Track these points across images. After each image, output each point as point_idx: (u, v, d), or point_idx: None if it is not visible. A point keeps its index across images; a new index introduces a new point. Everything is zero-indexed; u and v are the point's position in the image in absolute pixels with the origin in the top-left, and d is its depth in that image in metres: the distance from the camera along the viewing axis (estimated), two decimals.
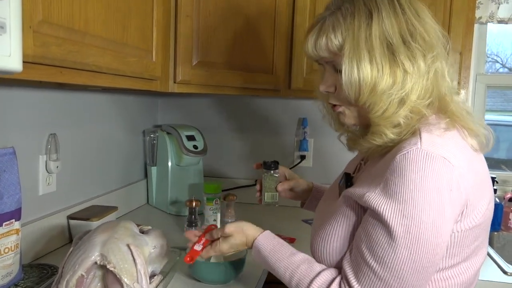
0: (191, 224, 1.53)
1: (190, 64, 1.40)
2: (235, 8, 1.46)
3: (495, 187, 1.76)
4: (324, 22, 0.84)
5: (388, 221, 0.73)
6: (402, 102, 0.78)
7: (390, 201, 0.73)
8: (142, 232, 1.03)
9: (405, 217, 0.72)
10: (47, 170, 1.28)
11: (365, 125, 0.88)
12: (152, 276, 0.97)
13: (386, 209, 0.73)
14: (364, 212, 0.81)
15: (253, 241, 0.93)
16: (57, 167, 1.30)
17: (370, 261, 0.75)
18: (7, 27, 0.58)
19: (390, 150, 0.80)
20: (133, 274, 0.87)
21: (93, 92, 1.52)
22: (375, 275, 0.75)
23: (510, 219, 1.74)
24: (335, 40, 0.81)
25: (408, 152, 0.73)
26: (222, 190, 1.68)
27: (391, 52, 0.78)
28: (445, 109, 0.81)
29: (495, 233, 1.74)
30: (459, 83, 1.54)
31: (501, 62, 2.16)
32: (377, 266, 0.74)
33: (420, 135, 0.75)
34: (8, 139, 1.13)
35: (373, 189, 0.76)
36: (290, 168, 1.99)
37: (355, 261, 0.79)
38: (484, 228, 0.82)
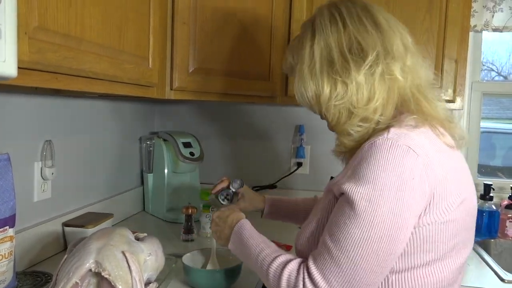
0: (188, 231, 1.52)
1: (187, 71, 1.40)
2: (231, 15, 1.47)
3: (491, 194, 1.76)
4: (290, 44, 0.98)
5: (350, 199, 0.75)
6: (350, 111, 0.85)
7: (354, 183, 0.76)
8: (137, 239, 1.02)
9: (363, 198, 0.74)
10: (42, 176, 1.27)
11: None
12: (147, 283, 0.96)
13: (349, 189, 0.76)
14: None
15: (239, 221, 0.99)
16: (52, 173, 1.30)
17: (328, 241, 0.78)
18: (1, 32, 0.58)
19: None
20: (128, 281, 0.87)
21: (89, 99, 1.52)
22: (329, 254, 0.77)
23: (507, 226, 1.74)
24: (291, 62, 0.95)
25: (375, 141, 0.77)
26: None
27: (330, 66, 0.85)
28: (415, 109, 0.84)
29: (492, 240, 1.74)
30: (454, 91, 1.55)
31: (496, 70, 2.18)
32: (332, 245, 0.76)
33: (389, 129, 0.79)
34: (3, 146, 1.12)
35: (343, 175, 0.81)
36: (286, 176, 2.00)
37: (319, 245, 0.81)
38: (463, 226, 0.82)
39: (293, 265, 0.82)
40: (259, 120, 2.05)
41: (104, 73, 0.97)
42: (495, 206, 1.78)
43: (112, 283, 0.85)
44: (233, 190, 1.27)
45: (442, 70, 1.53)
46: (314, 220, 0.89)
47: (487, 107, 2.00)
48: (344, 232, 0.76)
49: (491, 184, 1.76)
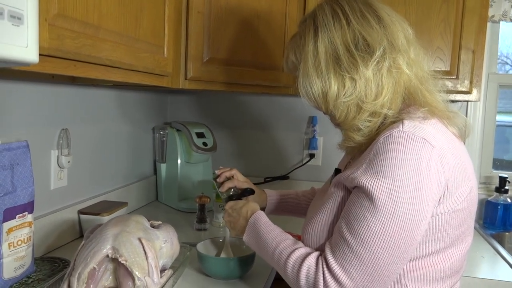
0: (201, 220, 1.53)
1: (201, 60, 1.40)
2: (246, 5, 1.46)
3: (507, 187, 1.74)
4: (290, 41, 0.96)
5: (369, 192, 0.76)
6: (359, 106, 0.84)
7: (372, 176, 0.76)
8: (153, 226, 1.03)
9: (383, 191, 0.75)
10: (58, 165, 1.29)
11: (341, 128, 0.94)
12: (162, 270, 0.98)
13: (367, 182, 0.76)
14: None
15: (255, 212, 1.00)
16: (69, 162, 1.31)
17: (346, 234, 0.78)
18: (24, 18, 0.58)
19: (369, 144, 0.84)
20: (144, 267, 0.88)
21: (104, 88, 1.53)
22: (348, 247, 0.77)
23: None
24: (293, 59, 0.93)
25: (390, 134, 0.77)
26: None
27: (336, 63, 0.84)
28: (422, 101, 0.85)
29: (507, 233, 1.72)
30: (471, 82, 1.52)
31: (511, 64, 2.14)
32: (352, 239, 0.77)
33: (402, 121, 0.79)
34: (20, 133, 1.14)
35: (357, 168, 0.80)
36: (298, 167, 2.00)
37: (334, 238, 0.82)
38: (469, 214, 0.84)
39: (312, 259, 0.82)
40: (272, 111, 2.05)
41: (120, 61, 0.97)
42: (510, 199, 1.76)
43: (129, 269, 0.86)
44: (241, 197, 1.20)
45: (459, 61, 1.51)
46: (322, 212, 0.89)
47: (502, 101, 1.96)
48: (364, 226, 0.76)
49: (507, 177, 1.75)
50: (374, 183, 0.76)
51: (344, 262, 0.77)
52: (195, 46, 1.37)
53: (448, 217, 0.79)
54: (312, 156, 2.00)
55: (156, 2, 1.14)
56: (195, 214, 1.56)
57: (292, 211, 1.31)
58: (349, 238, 0.77)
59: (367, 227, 0.76)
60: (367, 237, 0.75)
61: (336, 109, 0.86)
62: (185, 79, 1.38)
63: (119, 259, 0.86)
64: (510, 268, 1.34)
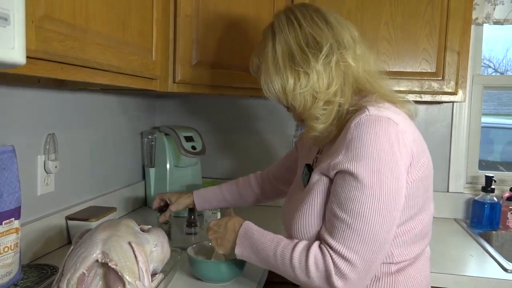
0: (191, 224, 1.52)
1: (190, 63, 1.39)
2: (234, 9, 1.47)
3: (493, 186, 1.77)
4: (255, 47, 1.08)
5: (354, 174, 0.84)
6: (314, 96, 0.94)
7: (353, 159, 0.85)
8: (143, 231, 1.02)
9: (366, 169, 0.83)
10: (45, 170, 1.27)
11: (303, 121, 1.03)
12: (153, 274, 0.97)
13: (350, 165, 0.84)
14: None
15: (242, 223, 1.02)
16: (56, 167, 1.29)
17: (341, 215, 0.85)
18: (10, 19, 0.57)
19: (338, 135, 0.93)
20: (135, 272, 0.87)
21: (91, 93, 1.52)
22: (346, 225, 0.84)
23: (508, 218, 1.75)
24: (257, 62, 1.04)
25: (360, 119, 0.86)
26: None
27: (292, 60, 0.95)
28: (372, 90, 0.95)
29: (494, 232, 1.74)
30: (457, 83, 1.55)
31: (493, 67, 2.18)
32: (347, 217, 0.84)
33: (366, 107, 0.88)
34: (6, 138, 1.12)
35: (336, 156, 0.88)
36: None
37: (329, 222, 0.88)
38: (430, 181, 0.96)
39: (315, 247, 0.87)
40: (260, 114, 2.05)
41: (108, 64, 0.96)
42: (497, 198, 1.78)
43: (119, 273, 0.85)
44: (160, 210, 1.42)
45: (444, 62, 1.53)
46: (307, 205, 0.93)
47: (486, 103, 1.99)
48: (357, 202, 0.83)
49: (493, 176, 1.77)
50: (357, 165, 0.84)
51: (346, 240, 0.83)
52: (184, 50, 1.37)
53: (416, 184, 0.89)
54: None
55: (143, 5, 1.14)
56: (184, 218, 1.55)
57: (220, 204, 1.43)
58: (345, 217, 0.84)
59: (359, 203, 0.83)
60: (362, 212, 0.83)
61: (295, 101, 0.97)
62: (174, 82, 1.38)
63: (109, 264, 0.85)
64: (498, 265, 1.35)
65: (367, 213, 0.82)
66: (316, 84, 0.94)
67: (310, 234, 0.91)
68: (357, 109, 0.91)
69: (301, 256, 0.87)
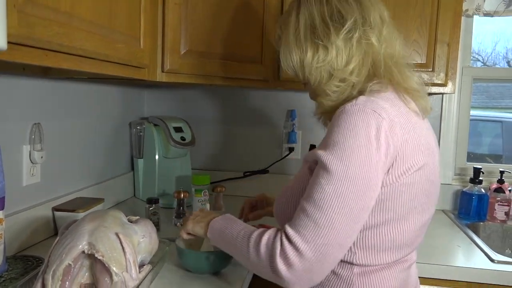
0: (179, 215, 1.51)
1: (179, 53, 1.37)
2: None
3: (481, 178, 1.78)
4: (279, 18, 1.04)
5: (323, 162, 0.81)
6: (330, 73, 0.92)
7: (326, 148, 0.82)
8: (130, 222, 1.01)
9: (336, 158, 0.80)
10: (31, 160, 1.25)
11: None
12: (141, 265, 0.95)
13: (322, 155, 0.82)
14: None
15: (212, 219, 1.00)
16: (42, 157, 1.27)
17: (303, 203, 0.82)
18: None
19: None
20: (122, 263, 0.85)
21: (78, 82, 1.49)
22: (305, 214, 0.81)
23: (495, 210, 1.77)
24: (279, 33, 1.01)
25: (344, 108, 0.83)
26: (210, 183, 1.66)
27: (312, 32, 0.93)
28: (385, 73, 0.91)
29: (481, 223, 1.76)
30: (446, 74, 1.55)
31: (482, 60, 2.19)
32: (308, 205, 0.81)
33: (358, 97, 0.85)
34: None
35: (319, 145, 0.86)
36: (278, 161, 2.00)
37: (296, 212, 0.84)
38: (422, 191, 0.87)
39: (271, 231, 0.86)
40: (251, 105, 2.03)
41: (95, 51, 0.94)
42: (484, 189, 1.80)
43: (106, 265, 0.83)
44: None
45: (434, 54, 1.53)
46: (292, 192, 0.93)
47: (474, 96, 2.00)
48: (319, 191, 0.80)
49: (481, 168, 1.78)
50: (327, 154, 0.81)
51: (300, 228, 0.80)
52: (172, 38, 1.35)
53: (396, 188, 0.83)
54: (291, 150, 2.00)
55: None
56: (173, 210, 1.53)
57: None
58: (306, 205, 0.81)
59: (322, 192, 0.80)
60: (321, 200, 0.79)
61: (311, 75, 0.94)
62: (162, 71, 1.35)
63: (96, 255, 0.84)
64: (485, 256, 1.37)
65: (327, 204, 0.79)
66: (335, 60, 0.91)
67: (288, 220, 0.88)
68: (355, 96, 0.88)
69: (256, 238, 0.86)
